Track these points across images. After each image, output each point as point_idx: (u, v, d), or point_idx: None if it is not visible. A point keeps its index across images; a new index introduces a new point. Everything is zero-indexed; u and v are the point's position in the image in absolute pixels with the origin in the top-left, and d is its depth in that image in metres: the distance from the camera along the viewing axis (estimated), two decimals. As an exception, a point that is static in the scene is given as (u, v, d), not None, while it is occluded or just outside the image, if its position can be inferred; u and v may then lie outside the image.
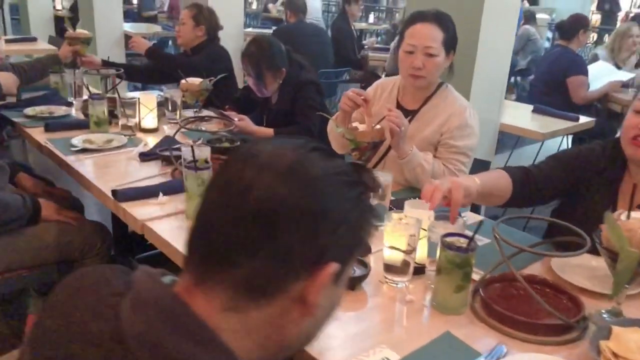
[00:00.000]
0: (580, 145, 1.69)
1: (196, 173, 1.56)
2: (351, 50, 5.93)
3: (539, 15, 8.18)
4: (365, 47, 6.49)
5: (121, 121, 2.41)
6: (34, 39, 5.38)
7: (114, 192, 1.74)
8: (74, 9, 7.01)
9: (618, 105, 4.25)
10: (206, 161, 1.59)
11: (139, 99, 2.42)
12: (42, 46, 5.15)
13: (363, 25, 9.14)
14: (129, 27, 6.56)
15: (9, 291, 2.13)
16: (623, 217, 1.17)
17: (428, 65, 1.93)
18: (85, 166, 2.02)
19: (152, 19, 9.15)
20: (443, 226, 1.29)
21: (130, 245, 2.68)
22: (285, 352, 0.68)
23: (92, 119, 2.36)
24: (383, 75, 5.76)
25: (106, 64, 3.18)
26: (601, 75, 4.37)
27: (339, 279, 0.66)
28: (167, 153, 2.00)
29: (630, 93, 4.29)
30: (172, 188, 1.77)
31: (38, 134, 2.35)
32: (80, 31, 3.11)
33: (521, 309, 1.20)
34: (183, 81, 2.60)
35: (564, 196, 1.67)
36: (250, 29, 7.10)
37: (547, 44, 9.01)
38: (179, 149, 1.88)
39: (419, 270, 1.35)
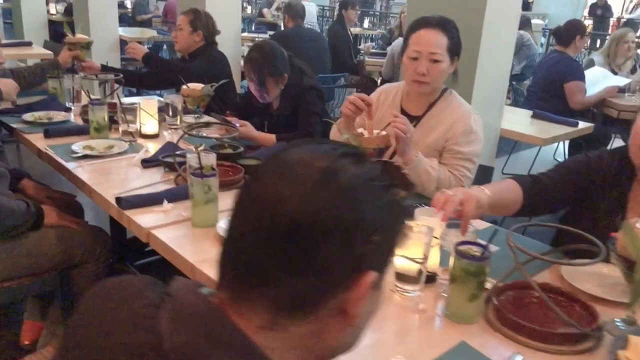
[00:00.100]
0: (586, 151, 1.67)
1: (202, 180, 1.54)
2: (348, 56, 5.94)
3: (532, 21, 8.22)
4: (362, 52, 6.50)
5: (122, 127, 2.38)
6: (29, 44, 5.31)
7: (117, 199, 1.71)
8: (68, 12, 6.98)
9: (614, 110, 4.28)
10: (212, 167, 1.57)
11: (139, 104, 2.38)
12: (38, 51, 5.10)
13: (358, 30, 9.14)
14: (123, 31, 6.53)
15: (10, 301, 2.10)
16: (639, 225, 1.16)
17: (432, 71, 1.93)
18: (87, 173, 1.98)
19: (146, 23, 9.13)
20: (455, 234, 1.28)
21: (127, 251, 2.65)
22: None
23: (92, 125, 2.33)
24: (379, 81, 5.76)
25: (105, 68, 3.15)
26: (597, 80, 4.40)
27: (377, 286, 0.64)
28: (170, 159, 1.98)
29: (626, 98, 4.32)
30: (176, 195, 1.75)
31: (37, 140, 2.31)
32: (80, 36, 3.08)
33: (535, 318, 1.19)
34: (184, 87, 2.57)
35: (572, 204, 1.67)
36: (245, 34, 7.08)
37: (540, 50, 9.06)
38: (182, 155, 1.86)
39: (430, 278, 1.34)
